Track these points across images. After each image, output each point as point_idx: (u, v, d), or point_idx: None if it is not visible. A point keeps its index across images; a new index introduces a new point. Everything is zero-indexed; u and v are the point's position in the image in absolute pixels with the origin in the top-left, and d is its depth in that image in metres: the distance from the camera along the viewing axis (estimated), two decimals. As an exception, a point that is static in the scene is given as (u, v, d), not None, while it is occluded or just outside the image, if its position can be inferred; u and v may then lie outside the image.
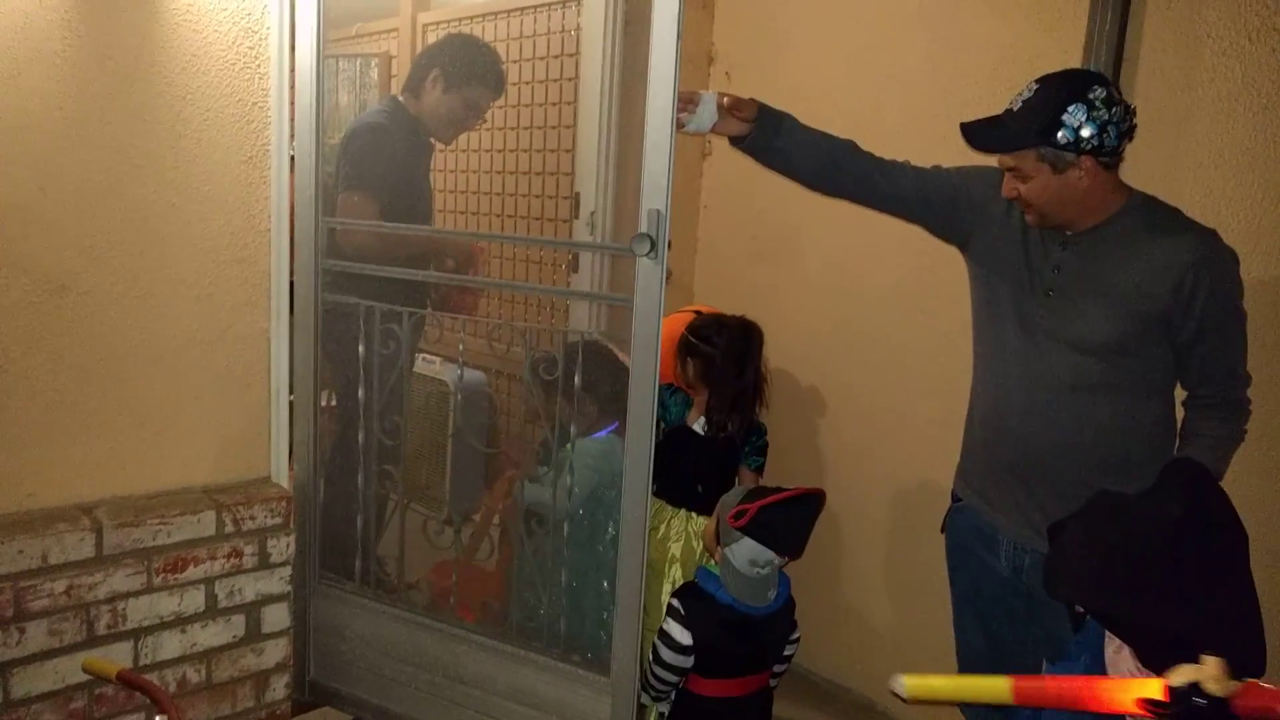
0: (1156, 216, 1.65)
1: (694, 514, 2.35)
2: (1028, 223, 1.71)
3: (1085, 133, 1.54)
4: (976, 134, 1.67)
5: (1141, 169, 2.02)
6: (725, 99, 1.82)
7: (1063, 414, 1.68)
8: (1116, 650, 1.52)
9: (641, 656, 2.18)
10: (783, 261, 2.81)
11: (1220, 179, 1.93)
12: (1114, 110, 1.56)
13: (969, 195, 1.81)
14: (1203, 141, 1.95)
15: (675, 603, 1.95)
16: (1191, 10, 1.95)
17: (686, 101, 1.82)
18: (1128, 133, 1.59)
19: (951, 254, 2.25)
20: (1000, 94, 2.28)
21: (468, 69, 2.51)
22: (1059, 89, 1.57)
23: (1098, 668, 1.53)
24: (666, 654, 1.93)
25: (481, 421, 3.04)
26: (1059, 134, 1.55)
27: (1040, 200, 1.63)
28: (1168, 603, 1.45)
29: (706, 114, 1.82)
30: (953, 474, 2.00)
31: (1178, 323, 1.61)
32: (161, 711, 1.43)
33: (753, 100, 1.84)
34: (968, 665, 2.01)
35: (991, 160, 1.78)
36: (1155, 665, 1.49)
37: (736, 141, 1.87)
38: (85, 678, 1.87)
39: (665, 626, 1.94)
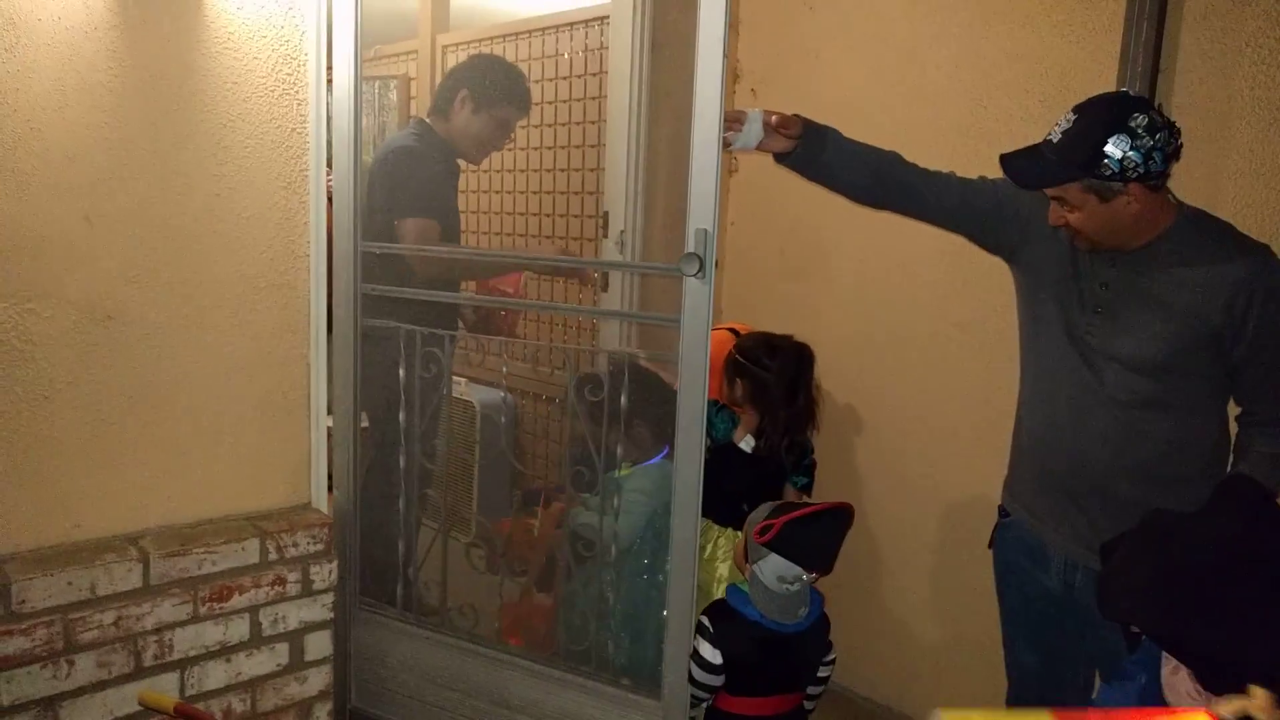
0: (1207, 233, 1.62)
1: (740, 533, 2.34)
2: (1080, 248, 1.68)
3: (1130, 162, 1.50)
4: (1017, 169, 1.62)
5: (1181, 180, 2.01)
6: (773, 117, 1.82)
7: (1115, 430, 1.67)
8: (1173, 671, 1.50)
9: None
10: (813, 276, 2.81)
11: (1262, 188, 1.93)
12: (1158, 136, 1.51)
13: (1015, 207, 1.79)
14: (1244, 151, 1.95)
15: (705, 620, 1.94)
16: (1230, 20, 1.95)
17: (733, 120, 1.82)
18: (1174, 154, 1.55)
19: (987, 265, 2.24)
20: (1032, 108, 2.30)
21: (496, 89, 2.53)
22: (1099, 119, 1.53)
23: (1155, 687, 1.51)
24: (697, 672, 1.92)
25: (510, 442, 3.04)
26: (1102, 165, 1.52)
27: (1089, 229, 1.60)
28: (1227, 625, 1.43)
29: (753, 132, 1.82)
30: (995, 487, 1.98)
31: (1229, 342, 1.59)
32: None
33: (798, 116, 1.83)
34: (1018, 684, 1.99)
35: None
36: (1215, 687, 1.47)
37: (782, 158, 1.86)
38: (132, 710, 1.86)
39: (695, 644, 1.93)
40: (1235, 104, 1.95)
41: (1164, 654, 1.50)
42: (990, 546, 1.98)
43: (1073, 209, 1.59)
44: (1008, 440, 1.95)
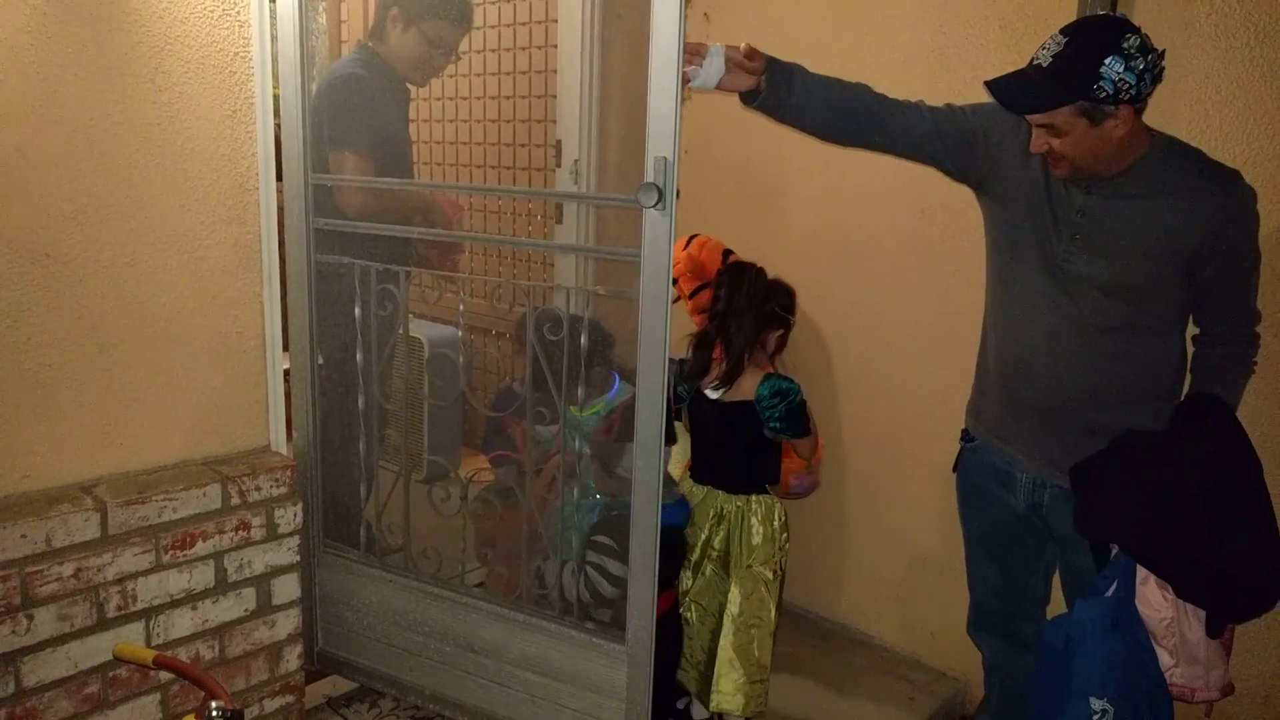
0: (1180, 160, 1.65)
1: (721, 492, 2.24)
2: (1054, 176, 1.69)
3: (1125, 83, 1.51)
4: (1009, 94, 1.60)
5: (1138, 106, 2.06)
6: (736, 49, 1.73)
7: (1090, 354, 1.71)
8: (1143, 581, 1.59)
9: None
10: (770, 209, 2.80)
11: (1217, 114, 1.97)
12: (1149, 58, 1.53)
13: (986, 135, 1.78)
14: (1200, 78, 1.98)
15: (605, 539, 2.01)
16: (1190, -55, 1.97)
17: (693, 54, 1.71)
18: (1159, 77, 1.57)
19: (947, 198, 2.27)
20: (991, 33, 2.30)
21: (426, 2, 2.35)
22: (1093, 41, 1.54)
23: (1129, 597, 1.59)
24: (610, 591, 2.00)
25: (459, 379, 2.99)
26: (1097, 87, 1.52)
27: (1075, 153, 1.60)
28: (1201, 538, 1.51)
29: (714, 68, 1.71)
30: (954, 416, 2.03)
31: (1201, 265, 1.63)
32: (210, 695, 1.38)
33: (760, 52, 1.75)
34: (979, 599, 2.07)
35: None
36: (1187, 595, 1.56)
37: (749, 100, 1.78)
38: (98, 662, 1.80)
39: (604, 565, 2.01)
40: (1193, 31, 1.98)
41: (1137, 567, 1.57)
42: (955, 470, 2.04)
43: (1060, 134, 1.59)
44: (967, 363, 1.99)
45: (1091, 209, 1.67)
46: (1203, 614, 1.61)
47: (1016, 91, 1.59)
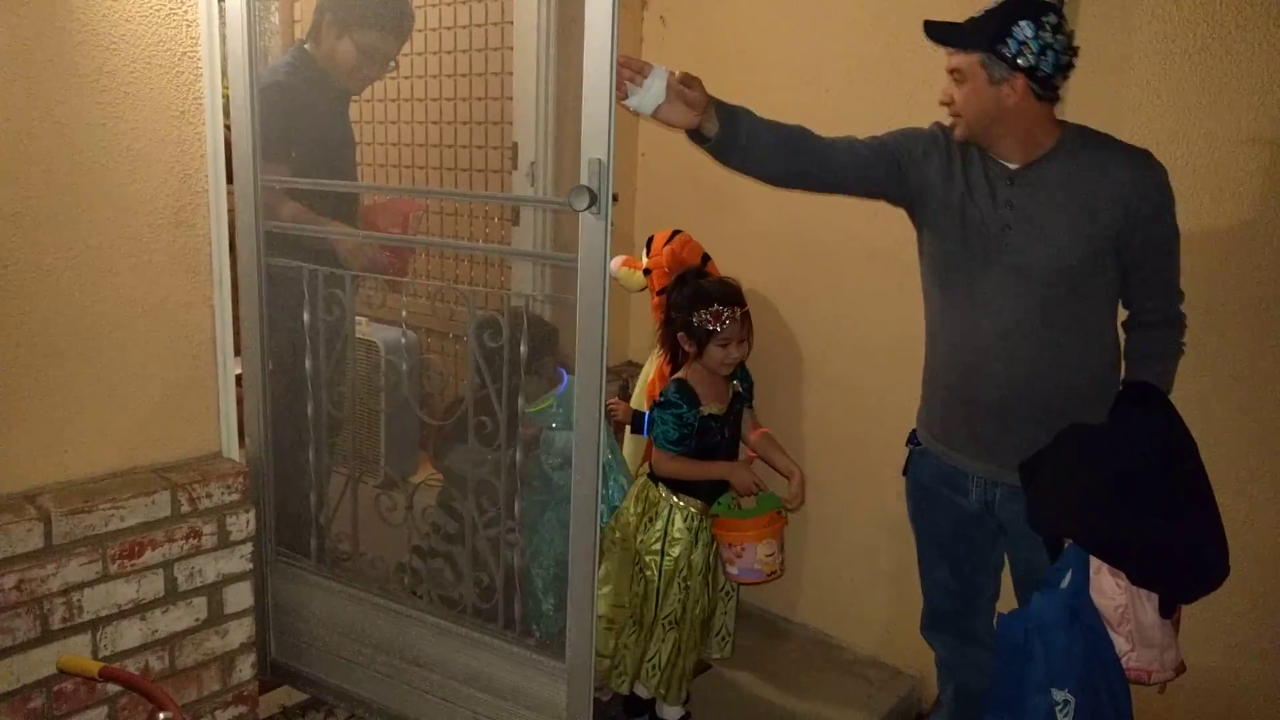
0: (1092, 143, 1.75)
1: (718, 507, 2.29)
2: (955, 136, 1.79)
3: (1027, 48, 1.63)
4: (936, 29, 1.73)
5: (1083, 109, 2.09)
6: (677, 75, 1.69)
7: (1037, 347, 1.75)
8: (1096, 571, 1.62)
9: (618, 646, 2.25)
10: (727, 210, 2.81)
11: (1158, 118, 2.02)
12: (1059, 38, 1.65)
13: (910, 153, 1.85)
14: (1142, 84, 2.03)
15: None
16: (1132, -46, 2.01)
17: (634, 72, 1.68)
18: (1065, 67, 1.67)
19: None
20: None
21: (359, 12, 2.28)
22: (1019, 6, 1.66)
23: (1084, 587, 1.62)
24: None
25: (416, 384, 2.96)
26: (1005, 43, 1.64)
27: (968, 108, 1.71)
28: (1157, 521, 1.55)
29: (654, 91, 1.67)
30: (911, 418, 2.05)
31: (1126, 238, 1.71)
32: (158, 707, 1.35)
33: (698, 80, 1.72)
34: (933, 600, 2.10)
35: (920, 122, 1.88)
36: (1142, 582, 1.60)
37: (699, 140, 1.77)
38: (42, 675, 1.76)
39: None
40: (1136, 37, 2.03)
41: (1090, 557, 1.61)
42: (905, 473, 2.06)
43: (962, 81, 1.71)
44: (921, 366, 2.01)
45: (1018, 200, 1.74)
46: (1155, 598, 1.66)
47: (945, 29, 1.72)
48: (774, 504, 2.25)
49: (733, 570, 2.22)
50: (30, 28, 1.69)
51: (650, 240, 2.63)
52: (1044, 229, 1.72)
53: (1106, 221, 1.69)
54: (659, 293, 2.52)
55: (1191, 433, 1.67)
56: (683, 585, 2.25)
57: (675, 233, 2.59)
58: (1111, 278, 1.75)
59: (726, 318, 2.23)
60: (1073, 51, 1.68)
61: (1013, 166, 1.76)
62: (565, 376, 2.27)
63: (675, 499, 2.28)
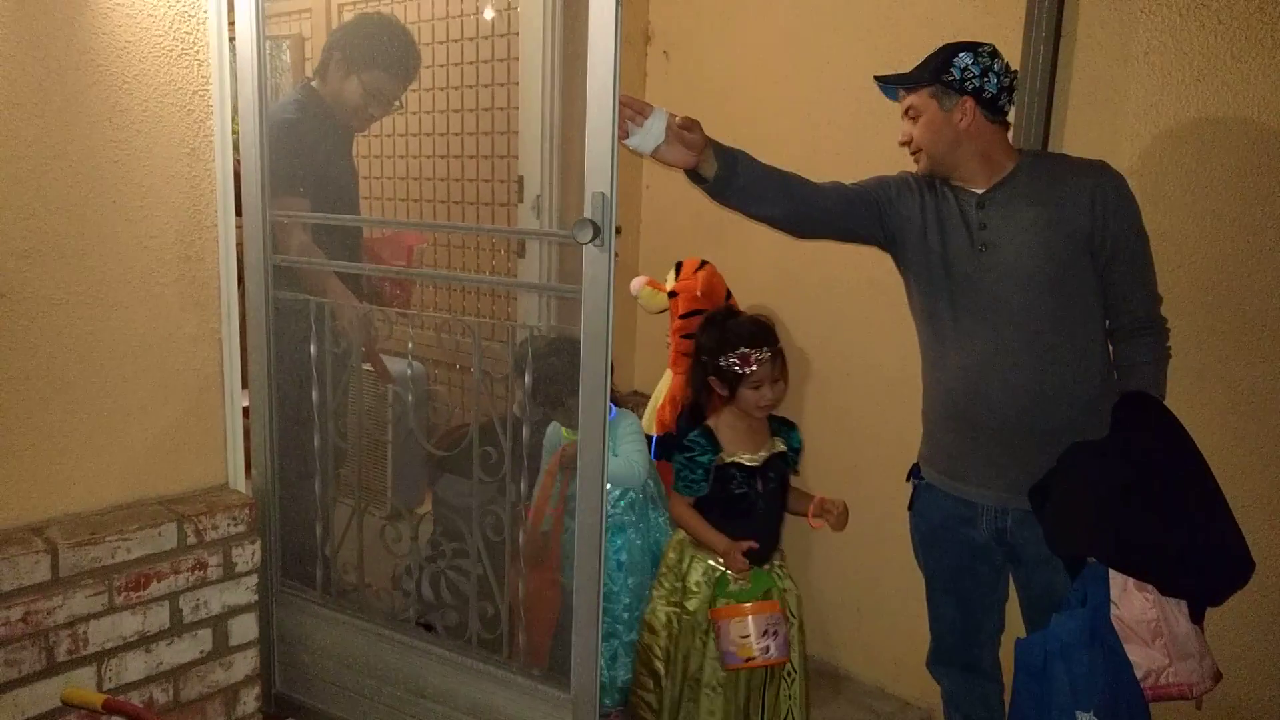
0: (1050, 161, 1.87)
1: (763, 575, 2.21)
2: (919, 171, 1.87)
3: (969, 73, 1.76)
4: (888, 79, 1.86)
5: (1081, 138, 2.12)
6: (678, 119, 1.75)
7: (1032, 360, 1.77)
8: (1122, 590, 1.62)
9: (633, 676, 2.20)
10: (729, 242, 2.83)
11: (1157, 146, 2.03)
12: (996, 63, 1.78)
13: (886, 193, 1.92)
14: (1139, 114, 2.05)
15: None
16: (1126, -12, 2.04)
17: (635, 112, 1.73)
18: (1008, 89, 1.79)
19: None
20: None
21: (366, 52, 2.31)
22: (953, 45, 1.80)
23: (1104, 607, 1.62)
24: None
25: (423, 415, 2.97)
26: (950, 72, 1.77)
27: (926, 137, 1.81)
28: (1177, 527, 1.56)
29: (654, 132, 1.72)
30: (913, 448, 2.05)
31: (1098, 240, 1.76)
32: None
33: (697, 123, 1.77)
34: (940, 635, 2.08)
35: (888, 169, 1.96)
36: (1175, 590, 1.60)
37: (697, 180, 1.82)
38: (47, 708, 1.77)
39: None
40: (1132, 68, 2.05)
41: (1112, 577, 1.61)
42: (910, 508, 2.05)
43: (917, 115, 1.82)
44: (920, 394, 2.02)
45: (991, 220, 1.80)
46: (1185, 607, 1.65)
47: (895, 77, 1.86)
48: (765, 584, 2.17)
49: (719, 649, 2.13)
50: (44, 69, 1.74)
51: (679, 265, 2.66)
52: (1020, 243, 1.78)
53: (1075, 227, 1.75)
54: (682, 316, 2.54)
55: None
56: (703, 641, 2.17)
57: (703, 262, 2.63)
58: (1093, 285, 1.79)
59: (755, 360, 2.17)
60: (1012, 75, 1.81)
61: (979, 191, 1.82)
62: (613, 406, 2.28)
63: (695, 550, 2.21)
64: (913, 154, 1.87)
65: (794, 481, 2.35)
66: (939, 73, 1.77)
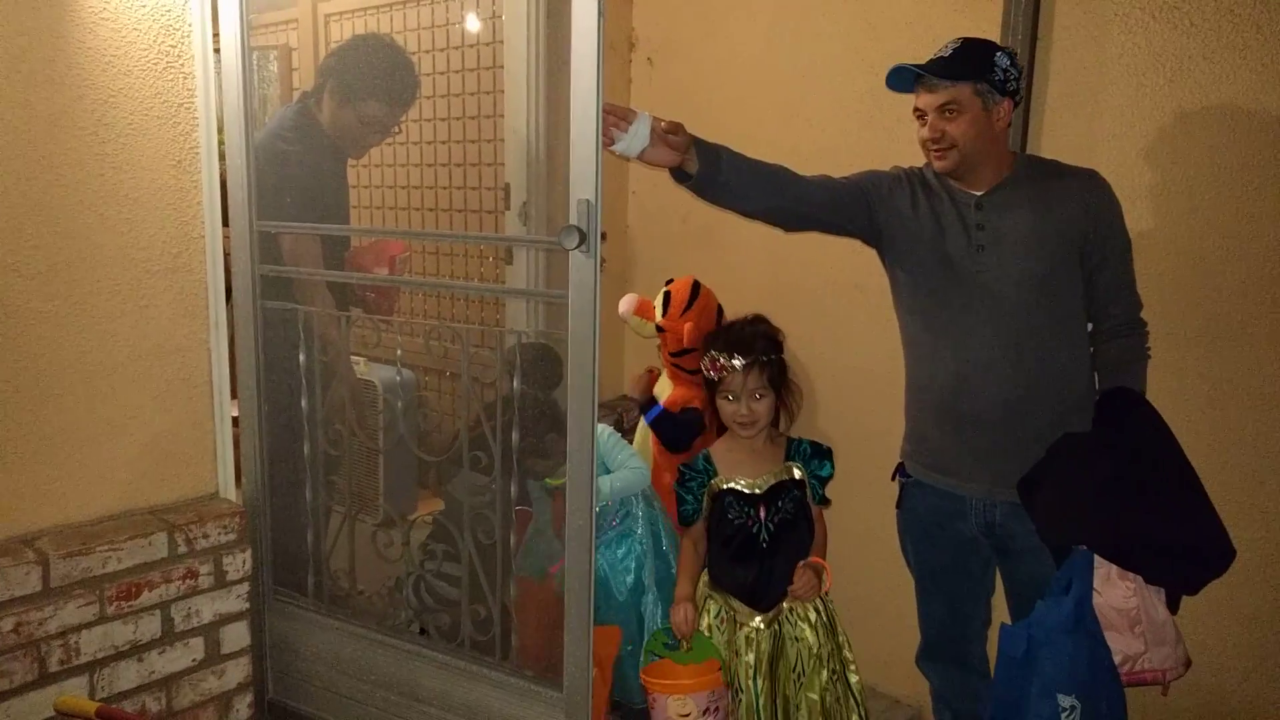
0: (1045, 165, 1.91)
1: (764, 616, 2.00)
2: (941, 169, 1.84)
3: (1010, 74, 1.76)
4: (927, 67, 1.76)
5: (1059, 140, 2.15)
6: (661, 123, 1.76)
7: (1021, 357, 1.80)
8: (1104, 578, 1.65)
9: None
10: (715, 245, 2.85)
11: (1132, 147, 2.06)
12: (1018, 66, 1.80)
13: (878, 189, 1.93)
14: (1114, 114, 2.08)
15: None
16: (1100, -9, 2.07)
17: (619, 118, 1.74)
18: (1021, 93, 1.82)
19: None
20: (922, 75, 2.39)
21: (359, 83, 2.29)
22: (982, 43, 1.80)
23: (1087, 594, 1.66)
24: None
25: (413, 421, 2.99)
26: (994, 69, 1.76)
27: (966, 137, 1.77)
28: (1163, 516, 1.61)
29: (639, 136, 1.73)
30: (894, 449, 2.07)
31: (1091, 244, 1.80)
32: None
33: (683, 126, 1.78)
34: (929, 631, 2.11)
35: (899, 154, 1.96)
36: (1159, 578, 1.64)
37: (682, 179, 1.83)
38: (39, 719, 1.77)
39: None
40: (1106, 70, 2.08)
41: (1097, 564, 1.65)
42: (899, 507, 2.07)
43: (957, 113, 1.76)
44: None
45: (988, 222, 1.82)
46: (1162, 594, 1.69)
47: (937, 65, 1.77)
48: (708, 653, 1.94)
49: None
50: (31, 84, 1.75)
51: (668, 296, 2.56)
52: (1015, 245, 1.80)
53: (1067, 229, 1.78)
54: (672, 354, 2.52)
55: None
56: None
57: (696, 286, 2.54)
58: (1080, 287, 1.83)
59: (722, 368, 1.99)
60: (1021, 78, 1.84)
61: (977, 194, 1.84)
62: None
63: (709, 590, 2.06)
64: (940, 150, 1.80)
65: (827, 515, 2.12)
66: (984, 71, 1.75)
